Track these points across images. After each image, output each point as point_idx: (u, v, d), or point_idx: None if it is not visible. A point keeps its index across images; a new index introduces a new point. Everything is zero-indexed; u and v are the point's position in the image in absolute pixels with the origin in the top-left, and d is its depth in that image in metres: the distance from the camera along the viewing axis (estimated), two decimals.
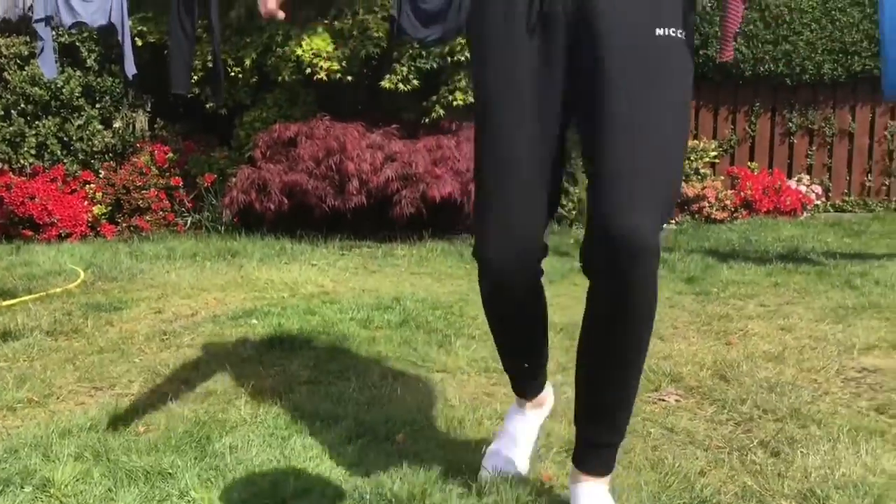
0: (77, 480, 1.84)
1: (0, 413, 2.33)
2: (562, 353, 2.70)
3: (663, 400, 2.40)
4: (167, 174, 6.48)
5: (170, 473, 1.88)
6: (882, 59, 4.18)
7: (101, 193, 6.34)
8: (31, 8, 5.29)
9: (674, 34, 1.47)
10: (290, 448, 2.01)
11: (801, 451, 1.97)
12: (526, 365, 1.82)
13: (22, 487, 1.82)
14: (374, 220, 5.78)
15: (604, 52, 1.46)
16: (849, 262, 4.52)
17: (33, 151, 6.45)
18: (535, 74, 1.52)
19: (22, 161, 6.42)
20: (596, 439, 1.61)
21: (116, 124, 6.72)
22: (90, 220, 6.27)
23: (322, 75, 5.94)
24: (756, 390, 2.43)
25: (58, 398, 2.46)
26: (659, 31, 1.47)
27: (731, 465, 1.93)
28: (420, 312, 3.37)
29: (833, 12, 7.56)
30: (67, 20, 4.92)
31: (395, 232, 5.66)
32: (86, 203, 6.33)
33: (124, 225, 6.29)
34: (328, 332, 3.07)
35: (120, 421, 2.20)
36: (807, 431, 2.12)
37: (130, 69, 5.25)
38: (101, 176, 6.43)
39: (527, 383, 1.88)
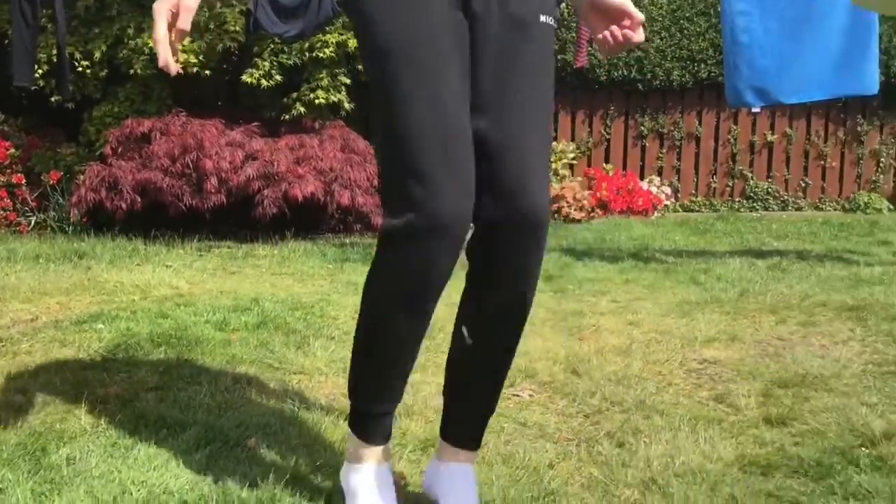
0: None
1: None
2: (420, 353, 2.70)
3: (517, 395, 2.44)
4: (8, 171, 6.10)
5: (0, 489, 1.76)
6: (725, 67, 4.43)
7: None
8: None
9: (551, 23, 1.57)
10: (133, 458, 1.92)
11: (645, 441, 2.05)
12: (399, 384, 1.61)
13: None
14: (235, 219, 5.64)
15: (503, 31, 1.51)
16: (694, 260, 4.75)
17: None
18: (447, 32, 1.49)
19: None
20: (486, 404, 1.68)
21: None
22: None
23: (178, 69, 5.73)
24: (605, 383, 2.51)
25: None
26: (542, 18, 1.54)
27: (579, 456, 1.98)
28: (279, 314, 3.30)
29: (681, 21, 7.95)
30: None
31: (256, 232, 5.54)
32: None
33: None
34: (180, 336, 2.96)
35: None
36: (651, 422, 2.21)
37: None
38: None
39: (388, 419, 1.64)
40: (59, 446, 1.99)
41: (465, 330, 1.63)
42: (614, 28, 1.57)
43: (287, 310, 3.39)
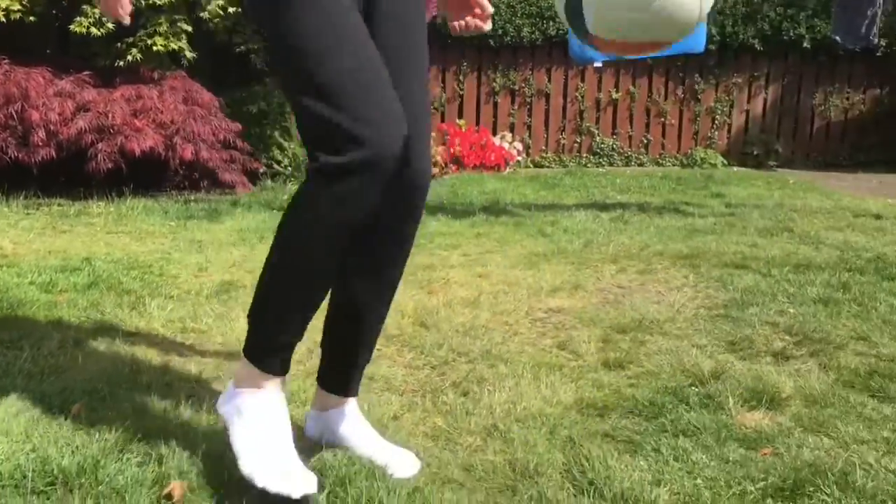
0: None
1: None
2: None
3: None
4: None
5: None
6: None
7: None
8: None
9: None
10: None
11: (489, 390, 2.06)
12: (302, 326, 1.59)
13: None
14: (67, 175, 5.28)
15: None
16: (542, 213, 4.85)
17: None
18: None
19: None
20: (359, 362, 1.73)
21: None
22: None
23: None
24: (452, 335, 2.52)
25: None
26: None
27: (424, 407, 1.97)
28: (112, 273, 3.12)
29: None
30: None
31: (91, 188, 5.21)
32: None
33: None
34: (1, 298, 2.74)
35: None
36: (495, 371, 2.22)
37: None
38: None
39: (290, 351, 1.60)
40: None
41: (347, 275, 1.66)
42: (468, 18, 1.75)
43: (122, 269, 3.21)
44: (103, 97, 5.21)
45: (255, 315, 1.58)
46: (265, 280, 1.56)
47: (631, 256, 3.66)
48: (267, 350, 1.57)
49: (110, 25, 5.48)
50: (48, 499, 1.49)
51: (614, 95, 8.52)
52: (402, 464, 1.62)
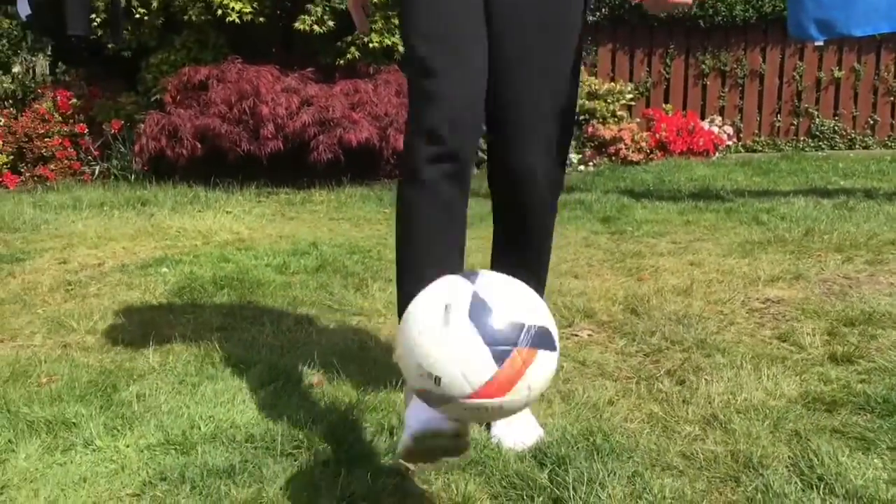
0: None
1: None
2: None
3: (576, 335, 2.43)
4: (71, 121, 6.21)
5: (73, 423, 1.82)
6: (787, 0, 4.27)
7: (1, 142, 6.05)
8: None
9: None
10: (200, 395, 1.97)
11: (706, 379, 2.03)
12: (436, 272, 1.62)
13: None
14: (292, 165, 5.67)
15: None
16: (756, 200, 4.64)
17: None
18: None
19: None
20: None
21: (15, 69, 6.41)
22: None
23: (233, 17, 5.74)
24: (665, 323, 2.49)
25: None
26: None
27: (639, 394, 1.97)
28: (337, 257, 3.33)
29: None
30: None
31: (313, 177, 5.56)
32: None
33: (28, 175, 6.02)
34: (242, 279, 3.01)
35: (21, 372, 2.12)
36: (712, 360, 2.18)
37: (24, 9, 4.99)
38: (0, 123, 6.12)
39: None
40: (128, 384, 2.05)
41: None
42: None
43: (345, 253, 3.42)
44: (325, 92, 5.54)
45: (396, 277, 1.70)
46: (396, 240, 1.69)
47: (858, 245, 3.44)
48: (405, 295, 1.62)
49: (331, 23, 5.81)
50: (295, 460, 1.64)
51: (836, 74, 7.96)
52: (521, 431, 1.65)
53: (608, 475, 1.52)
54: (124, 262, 3.35)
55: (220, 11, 5.75)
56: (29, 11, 5.09)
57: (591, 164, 6.53)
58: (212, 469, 1.59)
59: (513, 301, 1.24)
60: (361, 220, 4.32)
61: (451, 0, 1.58)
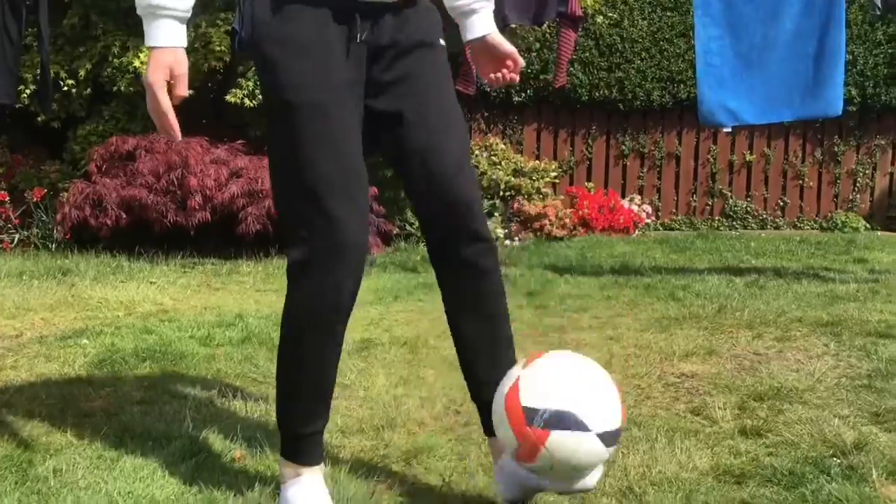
0: None
1: None
2: (404, 366, 2.75)
3: None
4: None
5: None
6: (698, 88, 4.53)
7: None
8: None
9: (443, 43, 1.79)
10: (119, 469, 1.95)
11: (622, 452, 2.09)
12: (324, 413, 1.74)
13: None
14: (219, 236, 5.65)
15: (410, 66, 1.72)
16: (673, 277, 4.82)
17: None
18: (349, 84, 1.67)
19: None
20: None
21: None
22: None
23: None
24: None
25: None
26: (441, 42, 1.79)
27: None
28: (263, 329, 3.33)
29: (661, 42, 8.08)
30: None
31: (240, 248, 5.56)
32: None
33: None
34: (164, 351, 2.99)
35: None
36: (629, 434, 2.25)
37: None
38: None
39: (319, 439, 1.76)
40: (45, 458, 2.01)
41: (451, 318, 1.82)
42: (504, 70, 1.86)
43: (271, 325, 3.42)
44: (254, 164, 5.59)
45: (277, 413, 1.74)
46: (277, 374, 1.73)
47: (767, 323, 3.60)
48: (297, 444, 1.72)
49: (262, 97, 5.89)
50: None
51: (748, 157, 8.38)
52: None
53: None
54: (43, 334, 3.29)
55: None
56: None
57: (516, 238, 6.69)
58: None
59: (539, 387, 1.56)
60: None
61: (346, 138, 1.66)
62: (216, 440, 2.12)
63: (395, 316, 3.81)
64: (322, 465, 1.76)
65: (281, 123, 1.64)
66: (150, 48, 1.57)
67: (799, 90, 4.34)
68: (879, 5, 4.44)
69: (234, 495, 1.77)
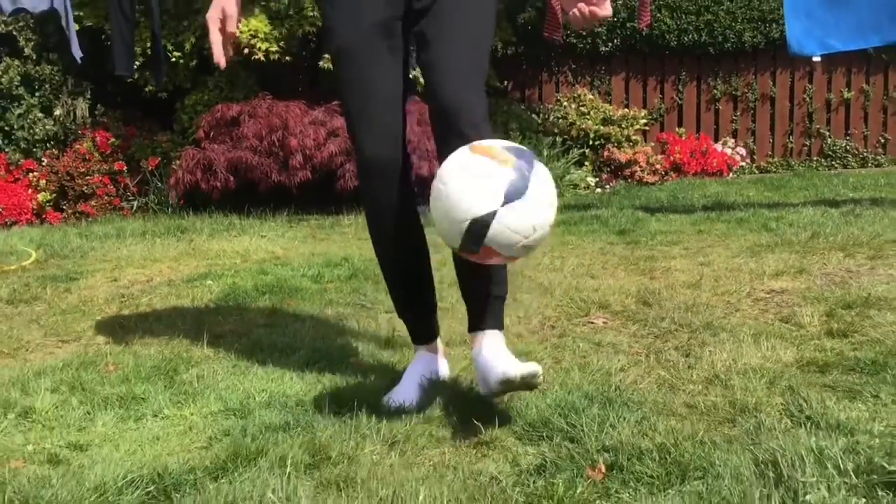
0: (56, 408, 2.01)
1: None
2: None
3: (592, 323, 2.64)
4: (110, 159, 6.53)
5: (142, 398, 2.05)
6: (785, 19, 4.51)
7: (44, 181, 6.38)
8: None
9: None
10: (252, 374, 2.20)
11: (710, 350, 2.22)
12: (417, 301, 2.09)
13: (5, 415, 1.97)
14: (320, 193, 5.93)
15: None
16: (767, 210, 4.83)
17: None
18: (381, 23, 1.94)
19: None
20: (480, 293, 1.97)
21: (57, 112, 6.75)
22: (35, 207, 6.30)
23: (260, 56, 6.05)
24: (674, 311, 2.69)
25: (27, 350, 2.60)
26: None
27: (648, 364, 2.17)
28: (368, 266, 3.56)
29: None
30: (7, 7, 4.96)
31: (340, 204, 5.82)
32: (30, 191, 6.37)
33: (70, 211, 6.34)
34: (281, 286, 3.25)
35: (89, 362, 2.36)
36: (717, 338, 2.37)
37: (77, 52, 5.31)
38: (43, 164, 6.46)
39: (421, 324, 2.11)
40: (187, 368, 2.28)
41: None
42: (581, 5, 1.82)
43: (375, 264, 3.64)
44: None
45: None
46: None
47: (860, 244, 3.62)
48: (408, 328, 2.12)
49: None
50: (342, 418, 1.85)
51: (846, 95, 8.16)
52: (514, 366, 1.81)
53: (618, 419, 1.72)
54: (171, 278, 3.60)
55: (247, 51, 6.07)
56: (81, 54, 5.41)
57: (607, 186, 6.75)
58: (269, 426, 1.81)
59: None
60: None
61: (370, 77, 1.95)
62: (335, 351, 2.35)
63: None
64: (434, 342, 2.07)
65: (332, 63, 2.04)
66: None
67: (887, 15, 4.28)
68: None
69: (356, 389, 1.99)
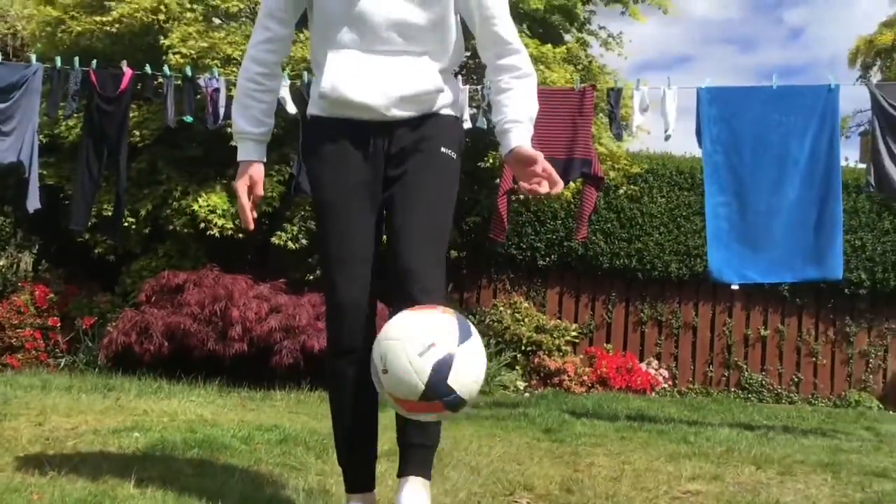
0: None
1: None
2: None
3: (516, 502, 2.71)
4: (45, 314, 6.52)
5: None
6: (708, 248, 4.95)
7: None
8: None
9: (451, 154, 2.21)
10: None
11: None
12: (362, 446, 2.22)
13: None
14: (254, 367, 5.96)
15: (408, 165, 2.17)
16: (686, 426, 5.03)
17: None
18: (362, 183, 2.18)
19: None
20: (415, 441, 2.11)
21: (0, 262, 6.78)
22: None
23: (215, 232, 6.27)
24: (595, 499, 2.78)
25: None
26: (443, 150, 2.20)
27: None
28: (300, 434, 3.59)
29: (678, 219, 8.59)
30: None
31: (273, 379, 5.84)
32: None
33: None
34: (211, 443, 3.25)
35: (13, 489, 2.32)
36: None
37: (34, 203, 5.45)
38: None
39: (361, 471, 2.24)
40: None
41: None
42: (535, 182, 2.07)
43: (306, 433, 3.68)
44: (293, 301, 5.99)
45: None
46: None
47: (772, 462, 3.79)
48: (346, 475, 2.25)
49: (304, 241, 6.37)
50: None
51: (763, 332, 8.66)
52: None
53: None
54: (96, 428, 3.56)
55: (202, 225, 6.29)
56: (38, 206, 5.55)
57: (536, 392, 6.92)
58: None
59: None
60: (321, 415, 4.57)
61: (349, 231, 2.17)
62: (264, 500, 2.36)
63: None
64: (372, 493, 2.18)
65: (315, 213, 2.26)
66: (238, 161, 2.20)
67: (801, 255, 4.74)
68: (873, 183, 4.91)
69: None
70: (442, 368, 1.77)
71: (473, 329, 1.86)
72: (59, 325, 6.47)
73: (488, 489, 2.84)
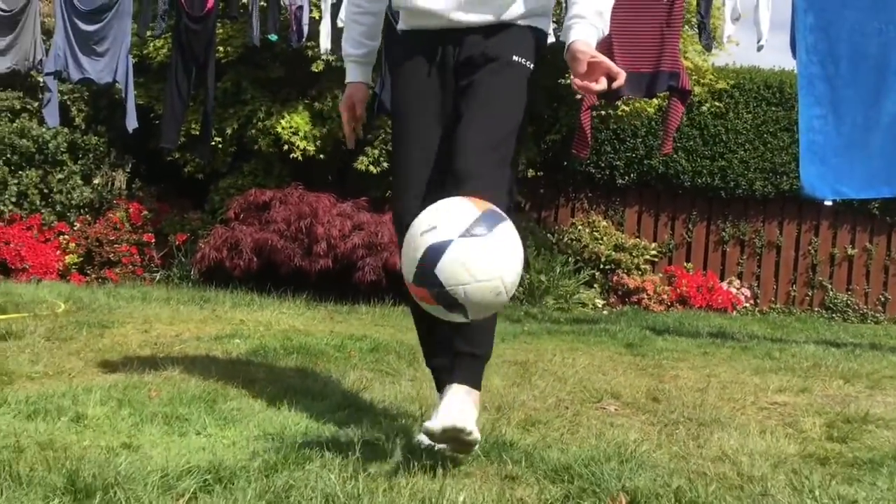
0: (107, 416, 2.14)
1: (20, 382, 2.60)
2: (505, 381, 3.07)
3: (604, 408, 2.78)
4: (140, 231, 6.79)
5: (186, 418, 2.19)
6: (800, 162, 4.82)
7: (74, 244, 6.61)
8: (41, 62, 5.68)
9: (524, 62, 2.15)
10: (287, 411, 2.34)
11: (718, 437, 2.36)
12: (446, 351, 2.14)
13: (59, 418, 2.10)
14: (338, 283, 6.13)
15: (477, 74, 2.14)
16: (770, 342, 5.00)
17: (14, 199, 6.73)
18: (429, 93, 2.19)
19: (1, 207, 6.68)
20: (463, 349, 2.07)
21: (96, 181, 7.05)
22: (60, 268, 6.51)
23: (297, 154, 6.39)
24: (683, 407, 2.82)
25: (70, 375, 2.74)
26: (515, 58, 2.14)
27: (660, 441, 2.30)
28: (389, 343, 3.72)
29: (765, 135, 8.36)
30: (75, 75, 5.32)
31: (357, 295, 6.00)
32: (58, 252, 6.59)
33: (93, 276, 6.54)
34: (308, 350, 3.40)
35: (132, 387, 2.49)
36: (725, 430, 2.51)
37: (132, 123, 5.64)
38: (75, 228, 6.70)
39: (445, 375, 2.17)
40: (226, 400, 2.42)
41: None
42: (589, 80, 1.99)
43: (395, 342, 3.81)
44: (375, 219, 6.09)
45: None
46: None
47: (860, 376, 3.77)
48: (434, 374, 2.26)
49: (385, 164, 6.44)
50: (371, 446, 1.99)
51: (850, 252, 8.46)
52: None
53: (634, 473, 1.85)
54: (198, 335, 3.75)
55: (286, 146, 6.41)
56: (136, 125, 5.74)
57: (614, 309, 6.95)
58: (308, 447, 1.94)
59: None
60: (405, 328, 4.70)
61: (409, 138, 2.20)
62: (363, 400, 2.49)
63: (502, 352, 4.14)
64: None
65: (391, 122, 2.39)
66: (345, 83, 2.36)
67: None
68: None
69: (382, 421, 2.13)
70: (434, 254, 1.68)
71: (502, 233, 1.73)
72: (153, 241, 6.74)
73: (576, 396, 2.91)
